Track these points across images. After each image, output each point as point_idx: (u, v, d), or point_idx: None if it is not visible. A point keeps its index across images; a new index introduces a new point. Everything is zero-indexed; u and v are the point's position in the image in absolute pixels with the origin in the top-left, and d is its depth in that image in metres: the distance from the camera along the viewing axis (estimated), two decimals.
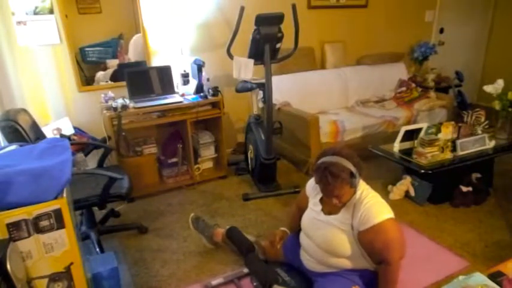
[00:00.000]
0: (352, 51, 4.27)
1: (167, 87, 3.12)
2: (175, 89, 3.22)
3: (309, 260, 1.83)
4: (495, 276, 1.36)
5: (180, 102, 2.99)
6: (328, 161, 1.63)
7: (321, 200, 1.82)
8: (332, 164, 1.61)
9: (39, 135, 2.26)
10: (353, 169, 1.62)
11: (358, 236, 1.65)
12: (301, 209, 1.96)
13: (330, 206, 1.76)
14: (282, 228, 2.08)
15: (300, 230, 1.93)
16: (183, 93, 3.19)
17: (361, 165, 1.67)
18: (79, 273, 1.40)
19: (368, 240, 1.62)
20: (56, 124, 2.84)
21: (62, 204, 1.30)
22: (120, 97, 2.89)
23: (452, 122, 2.86)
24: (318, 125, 3.21)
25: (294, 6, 2.72)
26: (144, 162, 3.08)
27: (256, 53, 2.78)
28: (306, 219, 1.87)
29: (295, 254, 1.93)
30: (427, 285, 1.97)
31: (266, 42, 2.70)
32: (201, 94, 3.12)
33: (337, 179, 1.60)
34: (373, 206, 1.64)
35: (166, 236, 2.51)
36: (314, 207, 1.85)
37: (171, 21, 3.23)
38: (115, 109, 2.75)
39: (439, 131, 2.79)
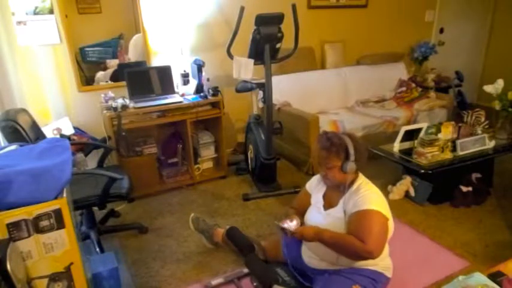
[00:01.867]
0: (352, 51, 4.27)
1: (167, 87, 3.12)
2: (175, 89, 3.22)
3: (311, 258, 1.83)
4: (495, 276, 1.36)
5: (180, 102, 2.99)
6: (332, 132, 1.77)
7: (324, 196, 1.84)
8: (334, 133, 1.75)
9: (39, 135, 2.26)
10: (350, 148, 1.66)
11: (348, 219, 1.67)
12: (300, 210, 1.96)
13: (329, 197, 1.80)
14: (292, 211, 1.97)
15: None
16: (183, 93, 3.19)
17: (361, 153, 1.71)
18: (79, 273, 1.40)
19: (353, 223, 1.64)
20: (56, 124, 2.83)
21: (62, 204, 1.30)
22: (120, 97, 2.89)
23: (452, 122, 2.86)
24: (318, 125, 3.22)
25: (294, 6, 2.72)
26: (144, 162, 3.07)
27: (256, 53, 2.78)
28: (309, 215, 1.88)
29: (295, 251, 1.93)
30: (427, 285, 1.97)
31: (266, 42, 2.70)
32: (201, 94, 3.12)
33: (332, 147, 1.67)
34: (371, 195, 1.68)
35: (166, 236, 2.51)
36: (317, 203, 1.86)
37: (171, 21, 3.23)
38: (115, 109, 2.75)
39: (439, 131, 2.79)
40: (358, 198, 1.66)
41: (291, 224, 1.78)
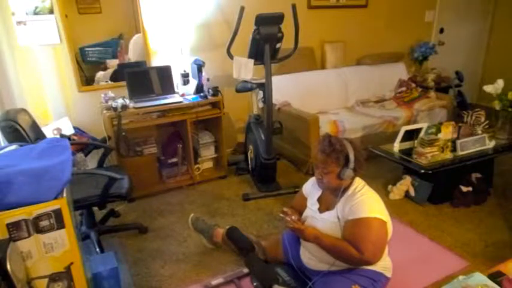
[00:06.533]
0: (352, 51, 4.27)
1: (167, 87, 3.12)
2: (175, 89, 3.22)
3: (310, 259, 1.83)
4: (495, 276, 1.36)
5: (180, 102, 2.99)
6: (335, 137, 1.73)
7: (319, 199, 1.84)
8: (336, 138, 1.70)
9: (39, 135, 2.26)
10: (351, 156, 1.64)
11: (343, 225, 1.66)
12: (298, 211, 1.96)
13: (325, 200, 1.80)
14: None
15: None
16: (183, 93, 3.19)
17: (361, 163, 1.69)
18: (79, 273, 1.40)
19: (350, 230, 1.63)
20: (56, 124, 2.83)
21: (62, 204, 1.30)
22: (120, 97, 2.89)
23: (452, 122, 2.86)
24: (318, 125, 3.22)
25: (294, 6, 2.72)
26: (144, 162, 3.07)
27: (256, 53, 2.78)
28: (305, 218, 1.88)
29: (295, 252, 1.93)
30: (427, 285, 1.97)
31: (266, 42, 2.70)
32: (201, 94, 3.12)
33: (332, 152, 1.65)
34: (367, 200, 1.66)
35: (166, 236, 2.51)
36: (312, 206, 1.86)
37: (171, 21, 3.23)
38: (115, 109, 2.75)
39: (439, 131, 2.79)
40: (353, 205, 1.65)
41: (294, 218, 1.79)
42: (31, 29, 2.74)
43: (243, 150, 3.54)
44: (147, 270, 2.19)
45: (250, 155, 3.21)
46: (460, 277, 1.37)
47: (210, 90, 3.10)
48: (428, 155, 2.68)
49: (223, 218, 2.70)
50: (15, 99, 2.61)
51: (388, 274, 1.77)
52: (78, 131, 2.97)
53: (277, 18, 2.65)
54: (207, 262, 2.23)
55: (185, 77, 3.21)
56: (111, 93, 2.97)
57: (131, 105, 2.87)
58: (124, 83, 3.02)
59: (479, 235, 2.41)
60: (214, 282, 2.03)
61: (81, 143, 2.75)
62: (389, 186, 2.97)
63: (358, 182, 1.75)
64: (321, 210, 1.80)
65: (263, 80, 2.84)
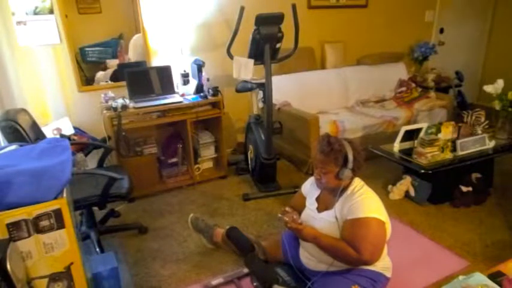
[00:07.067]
0: (352, 51, 4.27)
1: (167, 87, 3.12)
2: (175, 89, 3.22)
3: (309, 259, 1.83)
4: (495, 276, 1.36)
5: (180, 102, 2.99)
6: (334, 137, 1.73)
7: (317, 199, 1.84)
8: (335, 138, 1.70)
9: (39, 135, 2.26)
10: (349, 156, 1.65)
11: (342, 225, 1.66)
12: (296, 210, 1.96)
13: (323, 199, 1.80)
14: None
15: None
16: (183, 93, 3.19)
17: (360, 163, 1.70)
18: (79, 273, 1.40)
19: (348, 230, 1.63)
20: (56, 124, 2.84)
21: (62, 204, 1.30)
22: (120, 97, 2.89)
23: (452, 122, 2.86)
24: (318, 125, 3.22)
25: (294, 6, 2.72)
26: (144, 162, 3.07)
27: (256, 53, 2.78)
28: (304, 218, 1.88)
29: (294, 253, 1.93)
30: (427, 285, 1.97)
31: (266, 42, 2.70)
32: (201, 94, 3.12)
33: (331, 152, 1.65)
34: (365, 200, 1.66)
35: (166, 236, 2.51)
36: (310, 205, 1.87)
37: (171, 21, 3.23)
38: (115, 109, 2.75)
39: (439, 131, 2.79)
40: (352, 205, 1.65)
41: (295, 217, 1.80)
42: (31, 29, 2.74)
43: (243, 150, 3.54)
44: (147, 270, 2.19)
45: (250, 155, 3.21)
46: (460, 277, 1.37)
47: (210, 90, 3.10)
48: (428, 155, 2.68)
49: (223, 218, 2.70)
50: (15, 99, 2.61)
51: (388, 274, 1.77)
52: (78, 131, 2.97)
53: (277, 18, 2.65)
54: (207, 262, 2.23)
55: (185, 77, 3.21)
56: (111, 93, 2.97)
57: (131, 105, 2.87)
58: (124, 83, 3.02)
59: (479, 235, 2.41)
60: (214, 282, 2.03)
61: (81, 143, 2.75)
62: (389, 186, 2.97)
63: (357, 182, 1.75)
64: (320, 209, 1.80)
65: (263, 80, 2.84)
